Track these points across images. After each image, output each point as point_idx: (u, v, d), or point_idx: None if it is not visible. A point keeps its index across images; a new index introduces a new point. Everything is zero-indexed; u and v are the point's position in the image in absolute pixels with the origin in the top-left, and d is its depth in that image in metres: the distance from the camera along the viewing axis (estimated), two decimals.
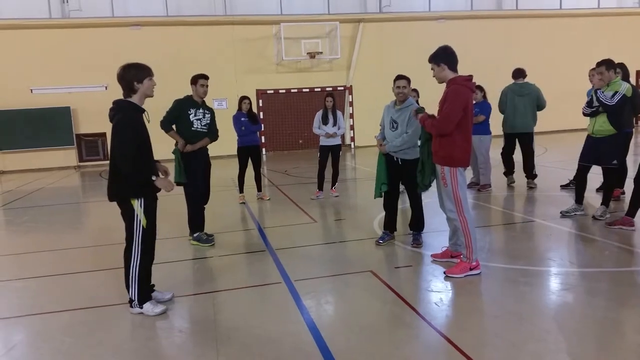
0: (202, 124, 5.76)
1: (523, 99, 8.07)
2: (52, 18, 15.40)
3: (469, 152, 4.36)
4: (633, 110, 6.29)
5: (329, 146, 8.15)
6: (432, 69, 4.34)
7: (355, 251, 5.41)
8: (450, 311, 3.74)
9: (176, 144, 5.69)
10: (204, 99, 5.85)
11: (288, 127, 17.42)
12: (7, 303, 4.33)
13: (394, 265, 4.86)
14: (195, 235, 5.82)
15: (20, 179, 13.76)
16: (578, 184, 6.27)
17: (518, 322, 3.39)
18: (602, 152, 5.90)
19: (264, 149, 16.92)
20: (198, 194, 5.79)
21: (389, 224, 5.48)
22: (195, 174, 5.69)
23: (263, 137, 16.72)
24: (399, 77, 5.13)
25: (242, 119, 7.96)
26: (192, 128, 5.68)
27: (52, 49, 15.33)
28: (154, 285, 4.07)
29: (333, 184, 8.42)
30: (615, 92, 5.70)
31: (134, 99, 3.73)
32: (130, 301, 3.86)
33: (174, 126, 5.74)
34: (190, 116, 5.69)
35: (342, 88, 17.49)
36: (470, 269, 4.30)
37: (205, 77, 5.80)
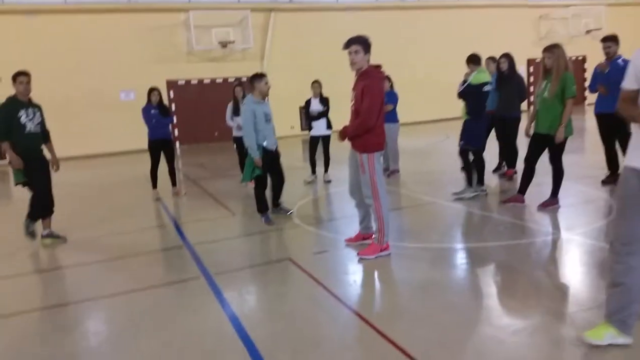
0: (35, 124, 5.44)
1: None
2: None
3: (384, 135, 4.59)
4: (519, 96, 7.26)
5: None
6: (355, 51, 4.32)
7: (274, 241, 5.53)
8: (363, 291, 3.98)
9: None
10: (29, 95, 5.42)
11: (202, 118, 17.00)
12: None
13: (311, 251, 5.04)
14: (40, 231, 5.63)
15: None
16: (465, 167, 6.74)
17: (426, 296, 3.70)
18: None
19: (177, 142, 16.43)
20: (42, 190, 5.53)
21: (267, 205, 6.22)
22: (36, 173, 5.45)
23: (176, 130, 16.23)
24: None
25: (152, 111, 7.70)
26: (26, 131, 5.34)
27: None
28: None
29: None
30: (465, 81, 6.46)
31: None
32: None
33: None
34: (22, 118, 5.31)
35: None
36: (381, 250, 4.56)
37: (24, 74, 5.31)
